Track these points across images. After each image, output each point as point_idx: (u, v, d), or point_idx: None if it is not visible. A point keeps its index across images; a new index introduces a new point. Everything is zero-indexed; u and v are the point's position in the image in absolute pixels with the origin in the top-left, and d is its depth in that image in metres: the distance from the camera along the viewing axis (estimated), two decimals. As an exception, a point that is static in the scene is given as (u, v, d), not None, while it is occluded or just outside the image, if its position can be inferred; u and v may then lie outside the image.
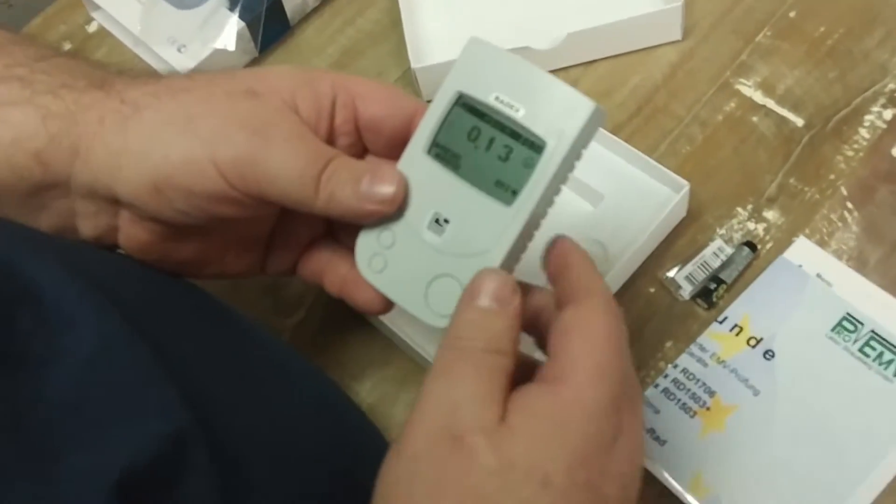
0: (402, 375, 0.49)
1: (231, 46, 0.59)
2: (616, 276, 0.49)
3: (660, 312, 0.50)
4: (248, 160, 0.35)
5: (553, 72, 0.58)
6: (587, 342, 0.32)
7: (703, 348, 0.48)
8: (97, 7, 0.63)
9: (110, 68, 0.40)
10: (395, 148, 0.38)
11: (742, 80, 0.57)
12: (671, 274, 0.50)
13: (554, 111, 0.34)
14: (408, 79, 0.59)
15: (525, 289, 0.35)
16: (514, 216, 0.34)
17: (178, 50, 0.59)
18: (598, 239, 0.51)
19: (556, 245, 0.35)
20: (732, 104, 0.56)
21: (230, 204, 0.36)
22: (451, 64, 0.55)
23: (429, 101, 0.36)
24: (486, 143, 0.35)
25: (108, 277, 0.35)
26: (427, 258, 0.36)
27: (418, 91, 0.57)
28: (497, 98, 0.34)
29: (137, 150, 0.35)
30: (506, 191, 0.34)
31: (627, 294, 0.50)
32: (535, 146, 0.34)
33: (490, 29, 0.60)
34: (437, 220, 0.35)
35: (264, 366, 0.40)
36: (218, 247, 0.40)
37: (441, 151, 0.36)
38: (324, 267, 0.41)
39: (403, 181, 0.36)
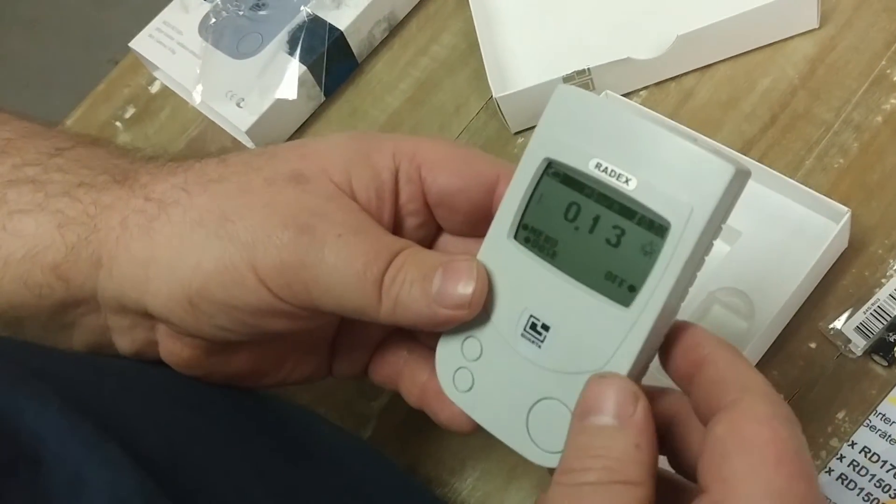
0: (510, 467, 0.41)
1: (292, 95, 0.53)
2: (766, 332, 0.40)
3: (825, 375, 0.40)
4: (294, 265, 0.29)
5: (662, 83, 0.49)
6: (752, 464, 0.24)
7: (887, 419, 0.38)
8: (157, 67, 0.59)
9: (137, 154, 0.34)
10: (475, 224, 0.31)
11: (902, 68, 0.46)
12: (836, 325, 0.40)
13: (677, 180, 0.25)
14: (492, 109, 0.51)
15: (649, 393, 0.26)
16: (635, 321, 0.26)
17: (238, 104, 0.53)
18: (738, 287, 0.41)
19: (684, 336, 0.27)
20: (893, 100, 0.46)
21: (278, 317, 0.30)
22: (539, 89, 0.48)
23: (516, 134, 0.28)
24: (590, 224, 0.26)
25: (129, 409, 0.29)
26: (524, 376, 0.28)
27: (504, 123, 0.50)
28: (598, 166, 0.26)
29: (165, 258, 0.30)
30: (621, 286, 0.26)
31: (782, 353, 0.41)
32: (657, 226, 0.25)
33: (582, 41, 0.51)
34: (533, 326, 0.27)
35: (332, 494, 0.33)
36: (273, 357, 0.34)
37: (531, 235, 0.28)
38: (400, 370, 0.34)
39: (484, 277, 0.28)
